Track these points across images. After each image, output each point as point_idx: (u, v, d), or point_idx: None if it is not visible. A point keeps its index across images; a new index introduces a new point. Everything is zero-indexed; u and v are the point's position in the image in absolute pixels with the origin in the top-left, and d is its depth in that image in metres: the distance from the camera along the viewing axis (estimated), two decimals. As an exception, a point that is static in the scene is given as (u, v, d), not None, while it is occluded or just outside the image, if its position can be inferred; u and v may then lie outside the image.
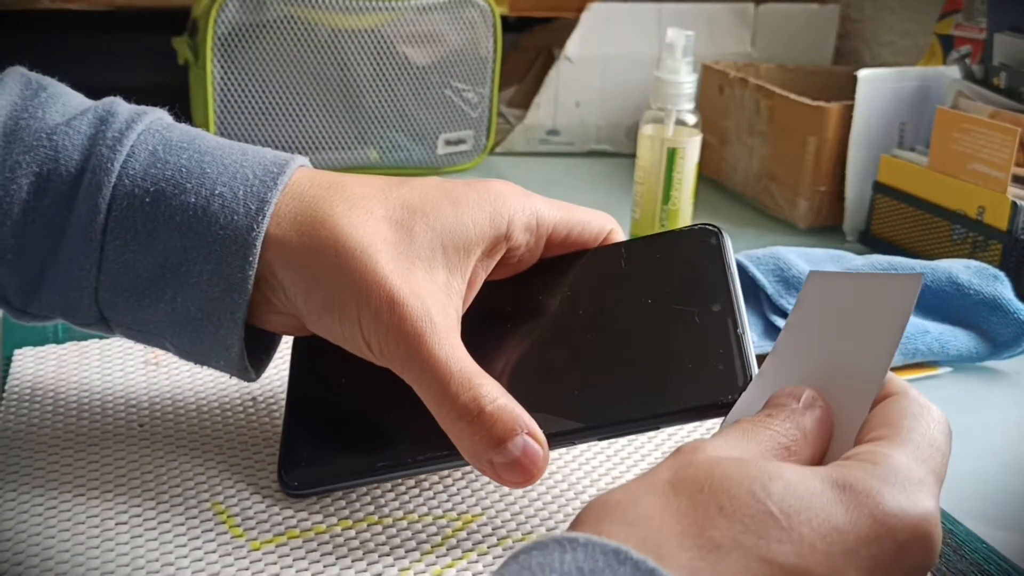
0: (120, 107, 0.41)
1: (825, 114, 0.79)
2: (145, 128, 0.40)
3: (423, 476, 0.44)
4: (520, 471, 0.36)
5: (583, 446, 0.47)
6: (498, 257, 0.42)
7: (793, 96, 0.82)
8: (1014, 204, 0.66)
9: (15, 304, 0.40)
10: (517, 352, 0.42)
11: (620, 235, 0.44)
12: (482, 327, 0.41)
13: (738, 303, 0.40)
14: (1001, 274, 0.59)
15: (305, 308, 0.39)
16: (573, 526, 0.29)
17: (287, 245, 0.38)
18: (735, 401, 0.36)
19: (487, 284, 0.42)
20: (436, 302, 0.38)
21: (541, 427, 0.37)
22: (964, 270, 0.59)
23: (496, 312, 0.43)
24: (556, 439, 0.38)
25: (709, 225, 0.43)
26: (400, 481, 0.43)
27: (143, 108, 0.42)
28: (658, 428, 0.38)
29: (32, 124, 0.39)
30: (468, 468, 0.44)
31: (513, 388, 0.38)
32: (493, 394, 0.37)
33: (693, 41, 0.75)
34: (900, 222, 0.76)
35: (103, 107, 0.41)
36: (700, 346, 0.38)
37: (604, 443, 0.47)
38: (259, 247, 0.38)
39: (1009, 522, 0.44)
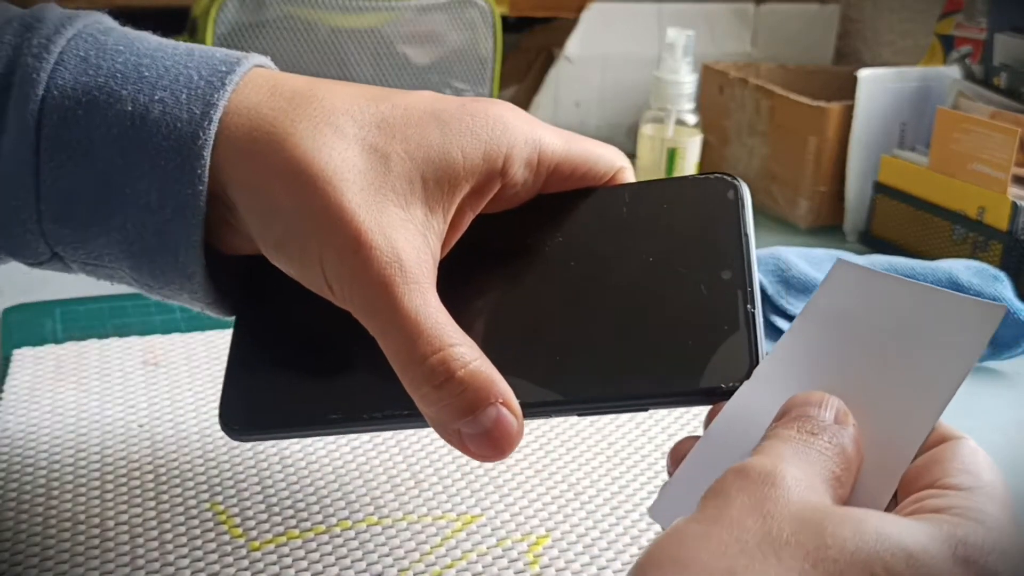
0: (51, 12, 0.35)
1: (825, 114, 0.79)
2: (76, 33, 0.35)
3: (422, 476, 0.44)
4: (490, 444, 0.32)
5: (583, 446, 0.47)
6: (490, 195, 0.36)
7: (793, 96, 0.82)
8: (1014, 204, 0.66)
9: None
10: (498, 304, 0.37)
11: (630, 174, 0.39)
12: (462, 270, 0.37)
13: (751, 273, 0.34)
14: (1001, 274, 0.59)
15: (261, 239, 0.34)
16: None
17: (241, 167, 0.34)
18: (735, 390, 0.32)
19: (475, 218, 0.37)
20: (409, 245, 0.33)
21: (516, 394, 0.32)
22: (964, 270, 0.59)
23: (480, 254, 0.38)
24: (532, 410, 0.33)
25: (727, 175, 0.37)
26: (399, 481, 0.43)
27: (77, 12, 0.36)
28: (646, 410, 0.35)
29: None
30: (468, 469, 0.44)
31: (489, 345, 0.34)
32: (466, 357, 0.32)
33: (693, 41, 0.75)
34: (900, 222, 0.76)
35: (31, 13, 0.35)
36: (703, 320, 0.34)
37: (605, 443, 0.47)
38: (208, 158, 0.33)
39: (1009, 523, 0.44)
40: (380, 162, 0.34)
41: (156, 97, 0.34)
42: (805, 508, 0.25)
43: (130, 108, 0.34)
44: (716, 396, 0.32)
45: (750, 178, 0.87)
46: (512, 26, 1.04)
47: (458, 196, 0.35)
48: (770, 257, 0.61)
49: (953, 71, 0.80)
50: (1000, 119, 0.70)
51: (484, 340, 0.34)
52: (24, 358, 0.52)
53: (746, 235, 0.35)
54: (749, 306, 0.34)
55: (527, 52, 1.11)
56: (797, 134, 0.81)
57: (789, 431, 0.28)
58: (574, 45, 0.97)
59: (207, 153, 0.33)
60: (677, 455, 0.31)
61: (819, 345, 0.31)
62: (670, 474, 0.31)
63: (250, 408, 0.36)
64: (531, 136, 0.36)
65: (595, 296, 0.36)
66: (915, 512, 0.27)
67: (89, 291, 0.61)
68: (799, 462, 0.27)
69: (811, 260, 0.62)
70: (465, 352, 0.32)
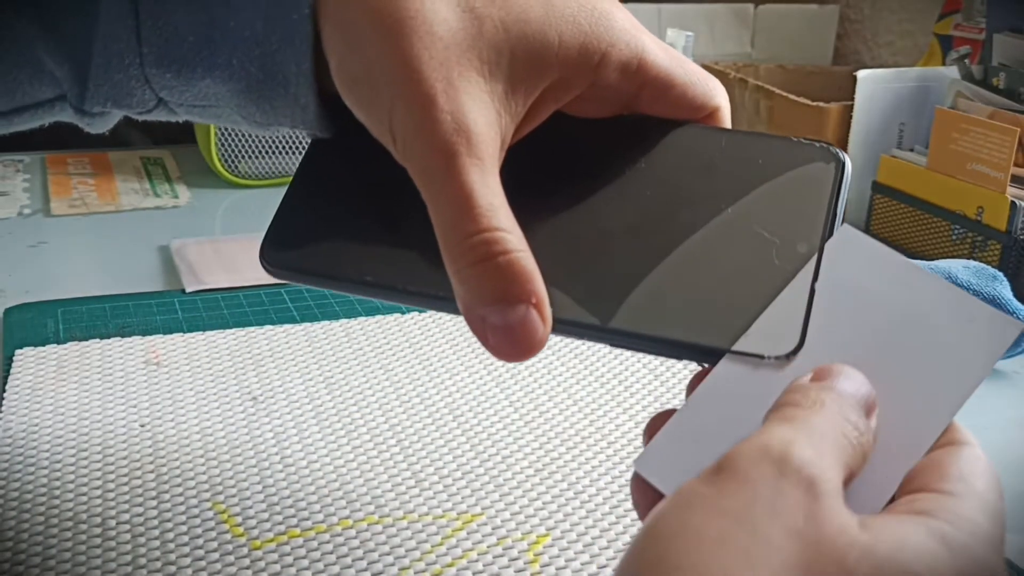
0: None
1: (825, 114, 0.79)
2: None
3: (423, 475, 0.44)
4: (511, 341, 0.30)
5: (583, 445, 0.47)
6: (576, 91, 0.34)
7: (793, 96, 0.82)
8: (1013, 204, 0.67)
9: (74, 101, 0.35)
10: (556, 210, 0.35)
11: (726, 115, 0.37)
12: (529, 164, 0.35)
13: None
14: (1000, 274, 0.59)
15: (337, 74, 0.33)
16: None
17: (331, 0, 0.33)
18: (777, 360, 0.30)
19: (555, 116, 0.35)
20: (483, 118, 0.31)
21: (552, 307, 0.31)
22: (963, 270, 0.60)
23: (551, 154, 0.36)
24: (563, 327, 0.32)
25: (832, 147, 0.35)
26: (400, 480, 0.43)
27: None
28: (680, 359, 0.33)
29: None
30: (468, 468, 0.44)
31: (536, 248, 0.32)
32: (511, 244, 0.30)
33: (693, 41, 0.75)
34: (899, 222, 0.76)
35: None
36: (766, 286, 0.32)
37: (605, 443, 0.47)
38: None
39: (1009, 522, 0.44)
40: (473, 23, 0.32)
41: None
42: (845, 543, 0.24)
43: None
44: (757, 363, 0.31)
45: (750, 178, 0.88)
46: (512, 26, 1.04)
47: (544, 81, 0.33)
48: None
49: (952, 71, 0.80)
50: (999, 119, 0.70)
51: (532, 240, 0.32)
52: (26, 358, 0.52)
53: (834, 212, 0.33)
54: (816, 283, 0.32)
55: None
56: (796, 134, 0.81)
57: (826, 409, 0.27)
58: (574, 45, 0.97)
59: None
60: (654, 428, 0.30)
61: (833, 318, 0.30)
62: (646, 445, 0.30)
63: (292, 247, 0.36)
64: (635, 40, 0.34)
65: (661, 232, 0.34)
66: (903, 513, 0.26)
67: (90, 291, 0.61)
68: (834, 456, 0.26)
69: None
70: (512, 240, 0.31)
